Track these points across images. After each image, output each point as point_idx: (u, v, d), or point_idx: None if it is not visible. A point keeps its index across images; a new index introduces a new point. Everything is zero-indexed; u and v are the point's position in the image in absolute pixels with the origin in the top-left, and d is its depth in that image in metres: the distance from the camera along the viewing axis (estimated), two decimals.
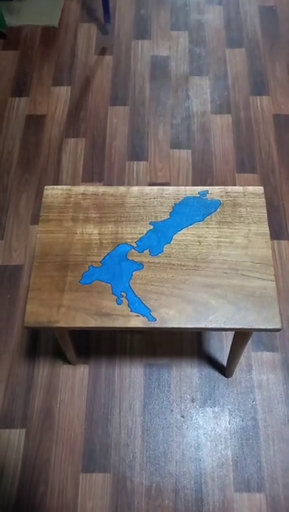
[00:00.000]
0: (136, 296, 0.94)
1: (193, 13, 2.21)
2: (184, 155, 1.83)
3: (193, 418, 1.37)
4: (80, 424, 1.37)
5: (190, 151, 1.83)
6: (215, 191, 1.06)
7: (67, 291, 0.95)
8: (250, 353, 1.46)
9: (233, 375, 1.43)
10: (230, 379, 1.42)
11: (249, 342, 1.47)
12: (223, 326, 0.91)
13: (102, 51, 2.10)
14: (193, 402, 1.39)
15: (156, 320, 0.92)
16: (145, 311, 0.92)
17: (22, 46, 2.11)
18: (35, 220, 1.69)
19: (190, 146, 1.85)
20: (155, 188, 1.06)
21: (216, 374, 1.43)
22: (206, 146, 1.85)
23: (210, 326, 0.91)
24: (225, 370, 1.41)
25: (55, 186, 1.07)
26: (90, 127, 1.90)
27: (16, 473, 1.31)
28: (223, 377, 1.43)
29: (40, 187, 1.76)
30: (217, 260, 0.97)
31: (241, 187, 1.06)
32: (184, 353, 1.47)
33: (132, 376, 1.43)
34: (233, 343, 1.14)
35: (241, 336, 1.04)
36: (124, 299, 0.94)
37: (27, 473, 1.31)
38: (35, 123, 1.91)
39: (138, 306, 0.93)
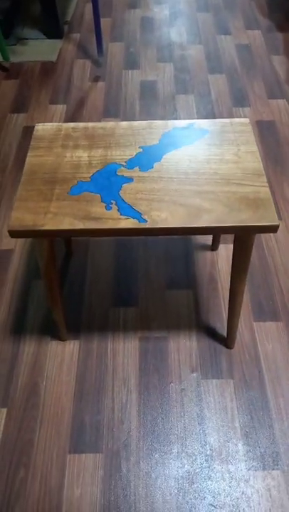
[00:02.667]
0: (126, 203, 0.90)
1: (177, 50, 2.47)
2: None
3: (195, 390, 1.22)
4: (68, 402, 1.21)
5: None
6: (202, 123, 1.08)
7: (55, 201, 0.91)
8: (251, 324, 1.36)
9: (236, 346, 1.31)
10: (232, 350, 1.31)
11: (250, 311, 1.38)
12: (217, 225, 0.86)
13: (96, 79, 2.30)
14: (193, 373, 1.26)
15: (147, 221, 0.87)
16: (136, 214, 0.88)
17: (22, 77, 2.31)
18: None
19: None
20: (144, 121, 1.09)
21: (217, 345, 1.32)
22: None
23: (203, 226, 0.86)
24: (226, 340, 1.30)
25: (45, 123, 1.09)
26: None
27: None
28: (225, 349, 1.31)
29: None
30: (208, 173, 0.96)
31: (228, 119, 1.09)
32: (182, 325, 1.36)
33: (125, 351, 1.31)
34: (232, 276, 1.06)
35: (240, 252, 0.97)
36: (113, 206, 0.90)
37: (5, 456, 1.12)
38: (31, 132, 2.00)
39: (128, 211, 0.89)
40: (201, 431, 1.15)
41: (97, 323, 1.38)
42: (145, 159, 0.99)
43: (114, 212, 0.89)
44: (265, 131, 1.99)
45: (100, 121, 2.06)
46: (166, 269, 1.51)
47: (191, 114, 2.09)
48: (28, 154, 1.02)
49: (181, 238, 1.60)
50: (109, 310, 1.40)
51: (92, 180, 0.95)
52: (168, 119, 2.05)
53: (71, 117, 2.08)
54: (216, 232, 0.88)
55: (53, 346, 1.33)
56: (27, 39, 2.54)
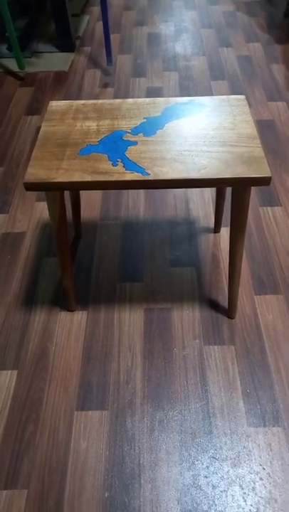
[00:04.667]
0: (131, 160, 0.99)
1: (182, 61, 2.63)
2: None
3: (197, 356, 1.27)
4: (76, 364, 1.26)
5: None
6: (201, 99, 1.18)
7: (66, 160, 1.00)
8: (252, 297, 1.41)
9: (237, 317, 1.36)
10: (234, 320, 1.35)
11: (251, 285, 1.44)
12: (215, 177, 0.94)
13: (105, 85, 2.45)
14: (196, 340, 1.30)
15: (150, 174, 0.95)
16: (140, 169, 0.96)
17: (37, 84, 2.48)
18: (40, 198, 1.79)
19: None
20: (148, 98, 1.19)
21: (219, 315, 1.37)
22: None
23: (202, 177, 0.94)
24: (228, 311, 1.35)
25: (58, 101, 1.20)
26: None
27: (4, 413, 1.17)
28: (227, 319, 1.36)
29: None
30: (207, 137, 1.05)
31: (225, 96, 1.19)
32: (185, 297, 1.42)
33: (131, 320, 1.37)
34: (231, 233, 1.12)
35: (237, 204, 1.03)
36: (119, 163, 0.99)
37: (15, 412, 1.17)
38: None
39: (133, 167, 0.97)
40: (203, 391, 1.19)
41: (104, 296, 1.44)
42: (149, 127, 1.09)
43: (120, 167, 0.98)
44: (265, 129, 2.10)
45: None
46: (170, 249, 1.58)
47: None
48: (42, 125, 1.12)
49: (184, 221, 1.67)
50: (116, 284, 1.47)
51: (101, 143, 1.05)
52: None
53: None
54: (214, 185, 0.95)
55: (62, 316, 1.39)
56: (41, 52, 2.73)
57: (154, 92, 2.37)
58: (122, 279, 1.49)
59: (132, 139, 1.06)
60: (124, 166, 0.98)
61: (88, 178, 0.95)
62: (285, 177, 1.84)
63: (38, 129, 2.16)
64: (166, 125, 1.09)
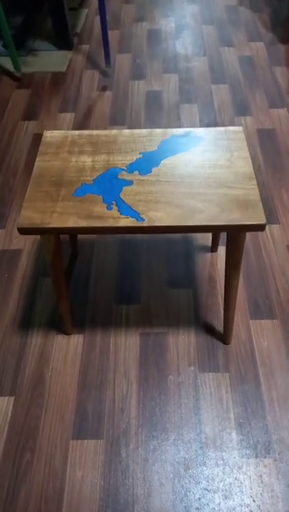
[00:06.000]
0: (125, 203, 0.98)
1: (182, 62, 2.57)
2: None
3: (192, 383, 1.29)
4: (72, 391, 1.28)
5: None
6: (198, 131, 1.16)
7: (61, 201, 0.99)
8: (248, 322, 1.43)
9: (233, 342, 1.38)
10: (229, 346, 1.37)
11: (246, 310, 1.45)
12: (209, 223, 0.94)
13: (103, 88, 2.40)
14: (191, 366, 1.32)
15: (144, 220, 0.95)
16: (134, 214, 0.96)
17: (33, 86, 2.43)
18: None
19: None
20: (144, 129, 1.17)
21: (215, 341, 1.38)
22: None
23: (197, 224, 0.94)
24: (223, 336, 1.37)
25: (53, 131, 1.18)
26: None
27: (2, 440, 1.20)
28: (222, 344, 1.37)
29: None
30: (202, 176, 1.04)
31: (222, 127, 1.17)
32: (181, 322, 1.43)
33: (127, 345, 1.39)
34: (226, 272, 1.13)
35: (232, 248, 1.04)
36: (114, 206, 0.98)
37: (13, 440, 1.20)
38: (41, 139, 2.11)
39: (128, 211, 0.97)
40: (196, 420, 1.22)
41: (100, 318, 1.45)
42: (144, 164, 1.07)
43: (114, 211, 0.97)
44: (266, 139, 2.07)
45: (106, 128, 2.16)
46: (167, 268, 1.58)
47: (194, 122, 2.17)
48: (37, 159, 1.11)
49: (182, 240, 1.67)
50: (113, 306, 1.48)
51: (95, 183, 1.04)
52: (171, 127, 2.14)
53: (79, 125, 2.18)
54: (208, 231, 0.95)
55: (59, 339, 1.40)
56: (38, 50, 2.66)
57: (153, 97, 2.32)
58: (118, 300, 1.50)
59: (128, 177, 1.04)
60: (118, 210, 0.97)
61: (83, 223, 0.95)
62: (283, 193, 1.83)
63: (35, 136, 2.13)
64: (161, 162, 1.08)
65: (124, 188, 1.02)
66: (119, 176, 1.05)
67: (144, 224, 0.94)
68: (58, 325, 1.43)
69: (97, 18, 2.94)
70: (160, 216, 0.95)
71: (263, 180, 1.88)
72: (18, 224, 0.96)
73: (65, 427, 1.22)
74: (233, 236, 1.01)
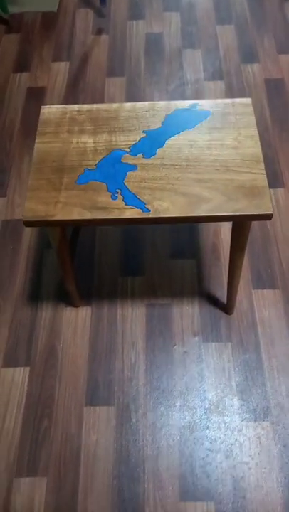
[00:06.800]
0: (130, 192, 0.96)
1: None
2: None
3: (196, 352, 1.36)
4: (83, 362, 1.36)
5: None
6: (205, 103, 1.10)
7: (64, 190, 0.97)
8: (250, 291, 1.46)
9: (235, 313, 1.42)
10: (231, 316, 1.42)
11: (249, 279, 1.48)
12: (215, 214, 0.93)
13: (99, 31, 2.21)
14: (195, 336, 1.38)
15: (150, 211, 0.94)
16: (139, 204, 0.94)
17: (23, 30, 2.23)
18: None
19: None
20: (147, 102, 1.10)
21: (218, 311, 1.43)
22: None
23: (202, 215, 0.92)
24: (226, 307, 1.41)
25: (51, 106, 1.12)
26: (88, 97, 1.97)
27: (20, 409, 1.29)
28: (225, 315, 1.42)
29: None
30: (208, 159, 1.00)
31: (230, 99, 1.10)
32: (185, 292, 1.47)
33: (133, 316, 1.43)
34: (230, 254, 1.14)
35: (238, 235, 1.04)
36: (118, 195, 0.96)
37: (31, 408, 1.29)
38: (35, 94, 1.99)
39: (132, 200, 0.95)
40: (201, 388, 1.30)
41: (106, 291, 1.49)
42: (148, 145, 1.03)
43: (119, 201, 0.95)
44: (273, 91, 1.95)
45: (104, 80, 2.02)
46: (171, 239, 1.58)
47: (198, 71, 2.03)
48: (36, 141, 1.06)
49: None
50: (118, 279, 1.51)
51: (98, 167, 1.00)
52: (173, 78, 2.01)
53: (74, 76, 2.04)
54: (214, 221, 0.94)
55: (67, 312, 1.45)
56: None
57: (153, 41, 2.14)
58: (123, 272, 1.52)
59: (131, 161, 1.01)
60: (123, 200, 0.95)
61: (88, 215, 0.93)
62: None
63: (29, 90, 2.00)
64: (166, 142, 1.03)
65: (128, 173, 0.99)
66: (122, 160, 1.01)
67: (150, 215, 0.93)
68: (65, 297, 1.47)
69: None
70: (166, 206, 0.94)
71: (270, 138, 1.80)
72: (23, 217, 0.94)
73: (78, 395, 1.31)
74: (239, 224, 1.00)
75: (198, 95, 1.95)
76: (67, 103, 1.95)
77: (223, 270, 1.51)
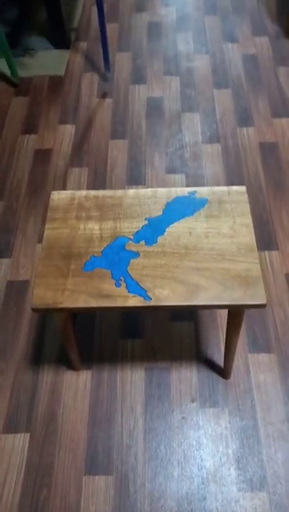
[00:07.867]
0: (133, 279, 1.03)
1: (183, 61, 2.49)
2: (179, 179, 1.99)
3: (194, 419, 1.39)
4: (83, 428, 1.39)
5: (183, 175, 2.00)
6: (203, 191, 1.18)
7: (71, 277, 1.04)
8: (246, 355, 1.51)
9: (232, 377, 1.47)
10: (228, 380, 1.46)
11: (245, 343, 1.53)
12: (212, 303, 0.99)
13: (103, 95, 2.35)
14: (193, 402, 1.42)
15: (151, 299, 1.00)
16: (142, 292, 1.01)
17: (32, 93, 2.37)
18: (41, 239, 1.81)
19: (183, 171, 2.01)
20: (149, 189, 1.19)
21: (215, 376, 1.47)
22: (198, 171, 2.02)
23: (200, 304, 0.99)
24: (223, 372, 1.45)
25: (60, 191, 1.20)
26: (93, 158, 2.08)
27: (20, 477, 1.31)
28: (222, 379, 1.46)
29: (47, 210, 1.91)
30: (206, 248, 1.08)
31: (226, 187, 1.19)
32: (184, 357, 1.52)
33: (133, 380, 1.48)
34: (227, 332, 1.20)
35: (233, 319, 1.11)
36: (122, 283, 1.03)
37: (30, 477, 1.31)
38: (42, 156, 2.10)
39: (135, 288, 1.02)
40: (198, 456, 1.33)
41: (107, 354, 1.53)
42: (150, 232, 1.10)
43: (123, 289, 1.02)
44: (268, 154, 2.06)
45: (107, 143, 2.13)
46: None
47: (196, 134, 2.15)
48: (46, 226, 1.13)
49: None
50: (118, 341, 1.56)
51: (104, 255, 1.07)
52: (173, 140, 2.12)
53: (80, 139, 2.15)
54: (211, 308, 1.00)
55: (68, 376, 1.49)
56: (34, 50, 2.56)
57: (154, 105, 2.27)
58: (123, 335, 1.57)
59: (134, 248, 1.08)
60: (126, 287, 1.02)
61: (93, 303, 1.00)
62: (284, 214, 1.85)
63: (36, 152, 2.11)
64: (166, 230, 1.11)
65: (131, 260, 1.06)
66: (126, 247, 1.08)
67: (152, 303, 0.99)
68: (66, 361, 1.51)
69: (95, 9, 2.81)
70: (166, 294, 1.00)
71: (264, 201, 1.90)
72: (32, 304, 1.01)
73: (77, 463, 1.33)
74: (234, 311, 1.07)
75: (196, 157, 2.06)
76: (72, 164, 2.05)
77: (220, 333, 1.56)
